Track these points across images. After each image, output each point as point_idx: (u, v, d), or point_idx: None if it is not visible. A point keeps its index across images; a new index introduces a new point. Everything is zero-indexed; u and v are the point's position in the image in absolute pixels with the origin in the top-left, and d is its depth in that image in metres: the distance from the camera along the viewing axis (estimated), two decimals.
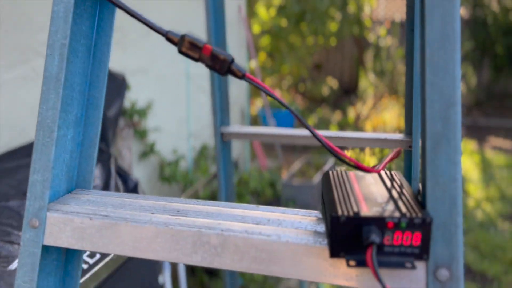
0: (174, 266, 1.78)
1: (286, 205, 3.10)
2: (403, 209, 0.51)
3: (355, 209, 0.51)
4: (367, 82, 5.75)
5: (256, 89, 1.60)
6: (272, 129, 1.22)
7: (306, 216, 0.59)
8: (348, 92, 6.80)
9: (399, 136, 1.06)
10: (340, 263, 0.52)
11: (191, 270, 2.41)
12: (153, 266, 1.46)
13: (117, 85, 1.76)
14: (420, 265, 0.50)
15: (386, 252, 0.50)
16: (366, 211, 0.51)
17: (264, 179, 2.96)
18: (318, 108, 5.74)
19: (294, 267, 0.53)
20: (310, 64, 6.10)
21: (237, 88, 3.38)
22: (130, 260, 1.22)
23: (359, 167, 0.59)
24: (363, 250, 0.49)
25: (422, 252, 0.50)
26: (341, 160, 0.58)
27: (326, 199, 0.57)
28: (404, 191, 0.56)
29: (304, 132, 1.14)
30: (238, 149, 3.34)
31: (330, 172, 0.63)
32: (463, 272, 0.49)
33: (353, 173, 0.63)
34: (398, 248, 0.50)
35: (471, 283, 2.32)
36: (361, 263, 0.50)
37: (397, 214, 0.50)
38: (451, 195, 0.49)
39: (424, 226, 0.49)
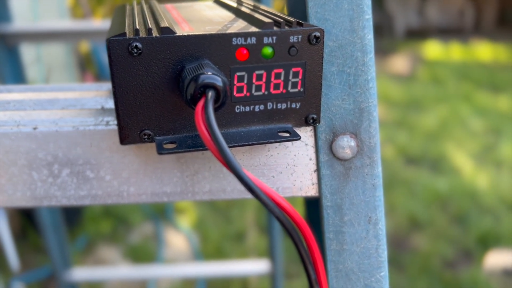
0: None
1: None
2: (266, 20, 0.25)
3: (165, 27, 0.24)
4: None
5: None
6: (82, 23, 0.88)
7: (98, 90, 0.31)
8: None
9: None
10: (148, 151, 0.25)
11: (22, 233, 1.98)
12: None
13: None
14: (306, 134, 0.26)
15: (238, 112, 0.25)
16: (190, 30, 0.24)
17: None
18: None
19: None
20: None
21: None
22: None
23: None
24: (186, 114, 0.23)
25: (308, 108, 0.26)
26: None
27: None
28: (262, 8, 0.30)
29: None
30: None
31: (128, 5, 0.34)
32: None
33: (170, 5, 0.35)
34: (260, 99, 0.25)
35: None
36: (185, 143, 0.24)
37: (253, 30, 0.24)
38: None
39: (310, 53, 0.25)
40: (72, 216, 2.08)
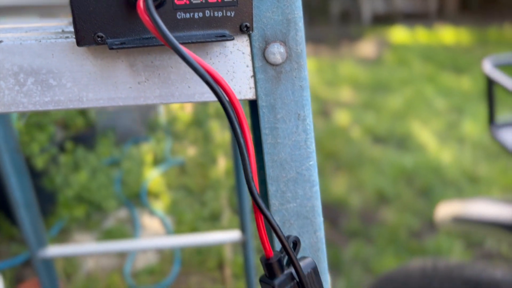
0: None
1: (104, 135, 2.76)
2: None
3: None
4: None
5: None
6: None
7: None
8: None
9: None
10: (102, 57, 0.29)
11: None
12: None
13: None
14: (243, 44, 0.31)
15: (180, 18, 0.29)
16: None
17: None
18: None
19: None
20: None
21: None
22: None
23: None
24: (135, 18, 0.27)
25: (241, 17, 0.30)
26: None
27: None
28: None
29: None
30: None
31: None
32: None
33: None
34: (199, 7, 0.29)
35: None
36: (133, 42, 0.28)
37: None
38: None
39: None
40: (46, 204, 2.08)
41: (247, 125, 0.26)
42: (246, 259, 1.15)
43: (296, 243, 0.29)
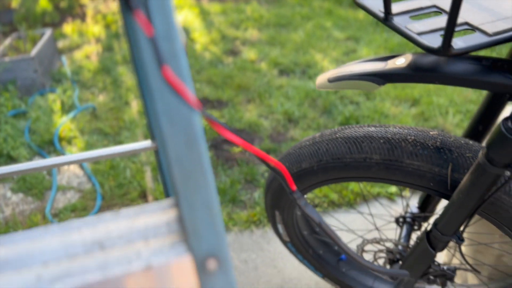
0: None
1: (5, 89, 2.62)
2: None
3: None
4: None
5: None
6: None
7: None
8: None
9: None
10: None
11: None
12: None
13: None
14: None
15: None
16: None
17: None
18: None
19: None
20: None
21: None
22: None
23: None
24: None
25: None
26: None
27: None
28: None
29: None
30: None
31: None
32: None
33: None
34: None
35: (211, 109, 2.49)
36: None
37: None
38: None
39: None
40: None
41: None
42: (159, 163, 1.23)
43: None
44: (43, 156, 2.17)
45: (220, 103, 2.58)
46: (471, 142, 0.86)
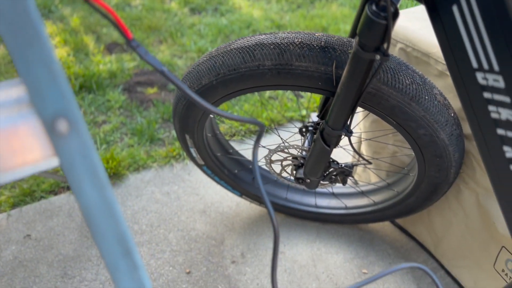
0: None
1: None
2: None
3: None
4: None
5: None
6: None
7: None
8: None
9: None
10: None
11: None
12: None
13: None
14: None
15: None
16: None
17: None
18: None
19: None
20: None
21: None
22: None
23: None
24: None
25: None
26: None
27: None
28: None
29: None
30: None
31: None
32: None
33: None
34: None
35: (121, 53, 2.41)
36: None
37: None
38: None
39: None
40: None
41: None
42: None
43: None
44: None
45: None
46: (352, 39, 0.91)
